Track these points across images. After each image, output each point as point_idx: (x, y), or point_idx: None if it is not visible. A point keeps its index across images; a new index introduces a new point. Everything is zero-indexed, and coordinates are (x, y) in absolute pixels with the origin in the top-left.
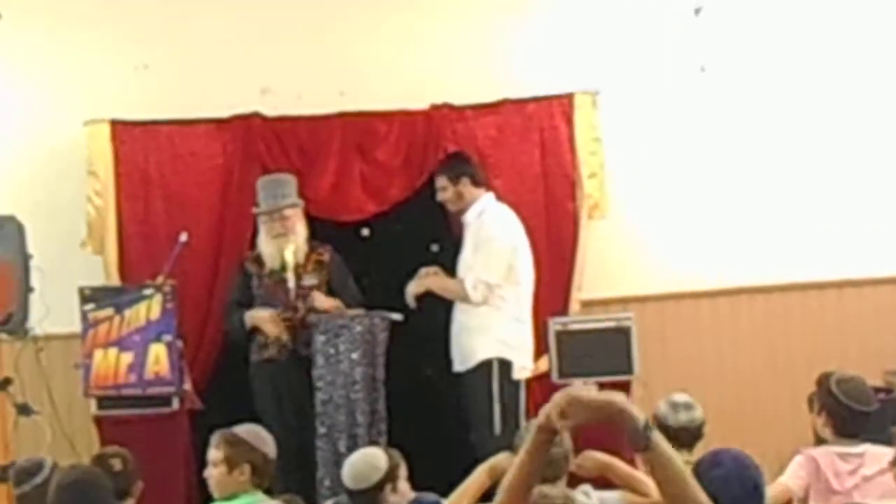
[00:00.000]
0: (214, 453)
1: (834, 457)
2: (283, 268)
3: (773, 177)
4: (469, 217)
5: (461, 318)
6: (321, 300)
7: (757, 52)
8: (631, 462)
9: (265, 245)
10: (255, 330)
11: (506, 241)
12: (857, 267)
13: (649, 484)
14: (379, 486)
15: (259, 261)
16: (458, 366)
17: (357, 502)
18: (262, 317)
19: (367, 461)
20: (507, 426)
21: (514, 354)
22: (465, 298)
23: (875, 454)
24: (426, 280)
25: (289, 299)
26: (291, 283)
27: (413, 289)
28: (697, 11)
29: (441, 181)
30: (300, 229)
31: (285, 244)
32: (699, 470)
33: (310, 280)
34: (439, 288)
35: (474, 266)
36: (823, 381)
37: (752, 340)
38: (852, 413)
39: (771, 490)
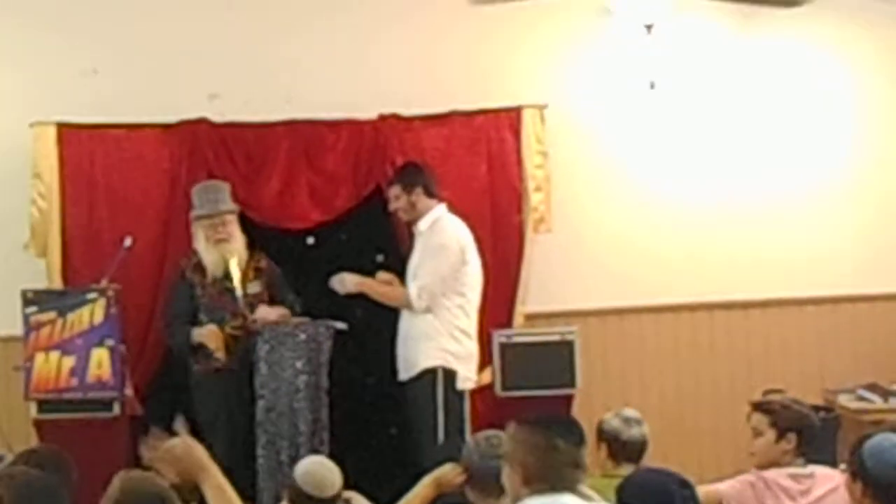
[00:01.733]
0: None
1: (786, 477)
2: (227, 276)
3: (720, 194)
4: (422, 226)
5: (406, 326)
6: (267, 313)
7: (706, 70)
8: None
9: (207, 252)
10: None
11: (455, 251)
12: (799, 286)
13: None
14: (339, 494)
15: (200, 269)
16: (403, 374)
17: None
18: (205, 333)
19: (328, 467)
20: (451, 436)
21: (458, 364)
22: (408, 306)
23: (824, 474)
24: (365, 282)
25: (236, 307)
26: (239, 293)
27: (349, 286)
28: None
29: (394, 190)
30: (238, 235)
31: (228, 252)
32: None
33: (253, 288)
34: (376, 294)
35: (420, 274)
36: (783, 405)
37: (694, 356)
38: (815, 427)
39: (701, 490)
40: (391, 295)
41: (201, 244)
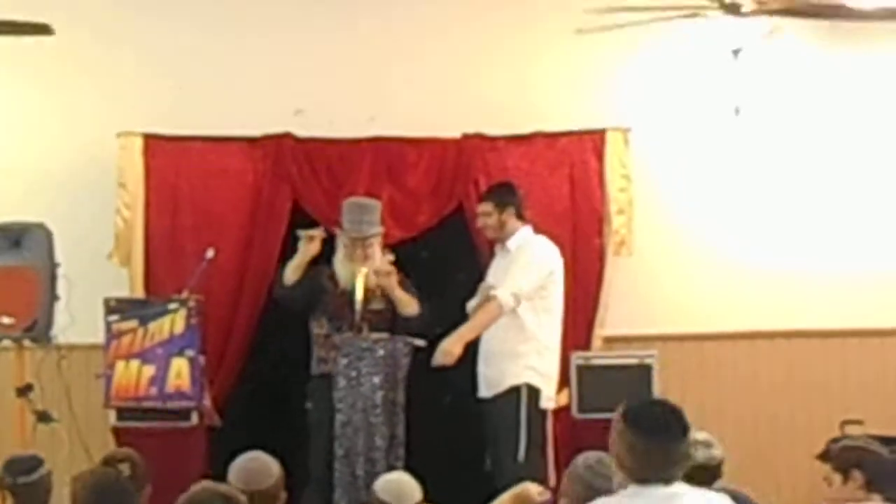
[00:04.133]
0: None
1: None
2: (354, 290)
3: (803, 223)
4: (510, 245)
5: (492, 343)
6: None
7: (792, 97)
8: None
9: (341, 266)
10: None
11: (544, 268)
12: (882, 317)
13: None
14: None
15: (334, 278)
16: (485, 391)
17: None
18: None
19: (407, 481)
20: (532, 455)
21: (543, 383)
22: (501, 311)
23: None
24: (461, 335)
25: (354, 321)
26: (359, 306)
27: (454, 350)
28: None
29: (486, 207)
30: (378, 256)
31: (359, 269)
32: None
33: (377, 304)
34: (474, 330)
35: (509, 279)
36: (841, 446)
37: (772, 384)
38: (880, 460)
39: None
40: (486, 318)
41: (339, 256)
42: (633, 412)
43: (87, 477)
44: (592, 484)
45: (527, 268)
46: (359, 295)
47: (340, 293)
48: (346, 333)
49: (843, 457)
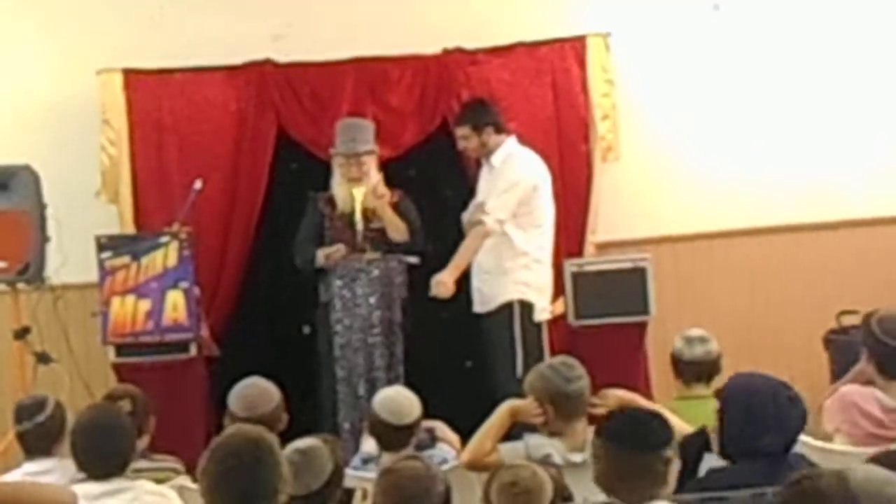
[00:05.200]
0: None
1: (878, 407)
2: (355, 212)
3: (788, 115)
4: (494, 161)
5: (483, 260)
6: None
7: None
8: (650, 397)
9: (339, 187)
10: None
11: (528, 182)
12: (872, 206)
13: (672, 419)
14: (418, 422)
15: (332, 202)
16: (478, 307)
17: (397, 437)
18: (331, 251)
19: (406, 395)
20: (530, 369)
21: (535, 296)
22: (486, 234)
23: None
24: (457, 266)
25: (356, 242)
26: (360, 227)
27: (448, 280)
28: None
29: (464, 131)
30: (374, 174)
31: (357, 189)
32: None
33: (378, 223)
34: (466, 256)
35: (489, 203)
36: (865, 321)
37: (767, 279)
38: (892, 350)
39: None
40: (474, 242)
41: (335, 179)
42: (606, 424)
43: (84, 413)
44: (551, 381)
45: (509, 188)
46: (358, 215)
47: (339, 216)
48: (350, 255)
49: (862, 337)
